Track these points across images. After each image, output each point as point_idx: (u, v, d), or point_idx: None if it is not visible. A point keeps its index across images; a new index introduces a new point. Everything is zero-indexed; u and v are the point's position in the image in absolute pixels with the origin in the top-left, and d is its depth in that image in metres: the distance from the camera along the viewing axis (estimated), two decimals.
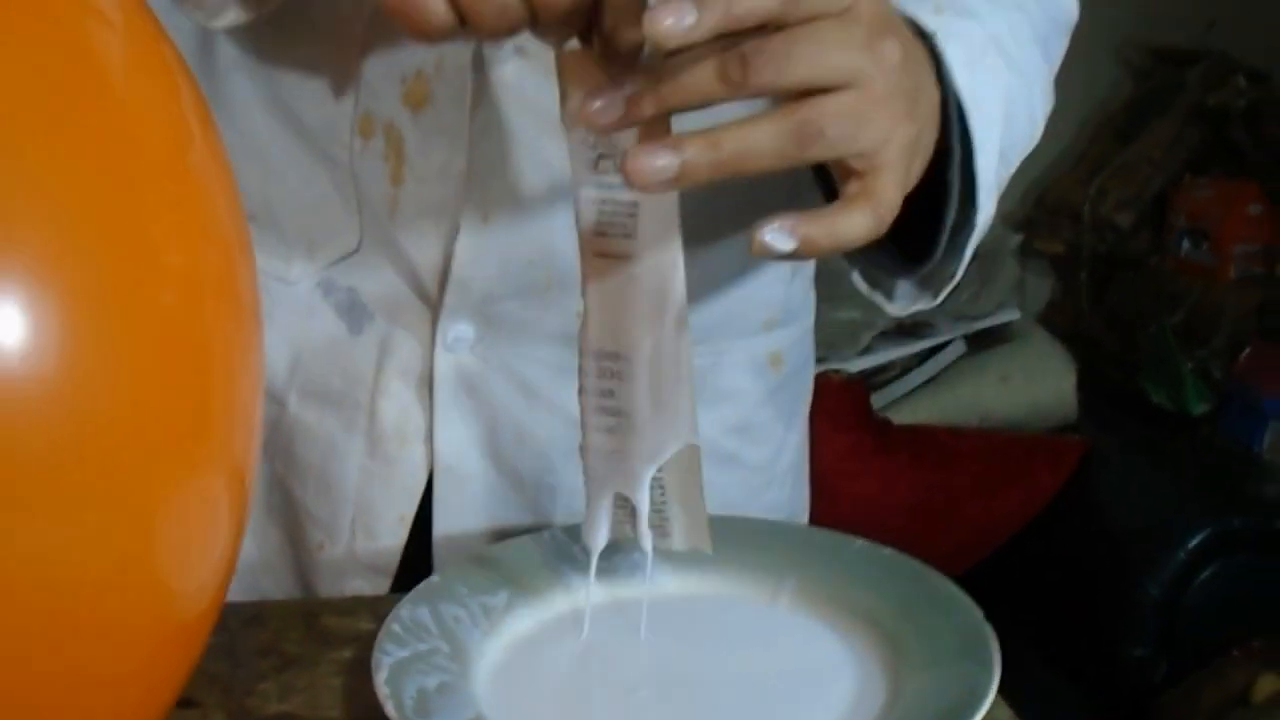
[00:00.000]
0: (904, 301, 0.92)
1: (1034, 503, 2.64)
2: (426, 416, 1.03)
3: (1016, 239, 3.11)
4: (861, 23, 0.70)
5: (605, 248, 0.76)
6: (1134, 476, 2.65)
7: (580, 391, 0.79)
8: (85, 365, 0.55)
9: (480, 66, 0.95)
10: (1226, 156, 3.06)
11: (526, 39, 0.91)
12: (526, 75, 0.94)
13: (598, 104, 0.71)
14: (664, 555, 0.88)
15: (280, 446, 1.07)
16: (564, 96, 0.76)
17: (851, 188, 0.72)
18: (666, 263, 0.76)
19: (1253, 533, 2.44)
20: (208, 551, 0.64)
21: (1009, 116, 0.88)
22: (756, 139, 0.69)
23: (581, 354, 0.79)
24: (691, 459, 0.80)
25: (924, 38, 0.81)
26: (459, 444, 1.04)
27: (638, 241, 0.75)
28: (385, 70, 0.97)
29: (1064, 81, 1.04)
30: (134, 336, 0.57)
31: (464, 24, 0.70)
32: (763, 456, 1.14)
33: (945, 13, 0.84)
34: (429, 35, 0.70)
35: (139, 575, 0.59)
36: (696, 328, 0.81)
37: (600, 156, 0.75)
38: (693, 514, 0.81)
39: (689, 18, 0.65)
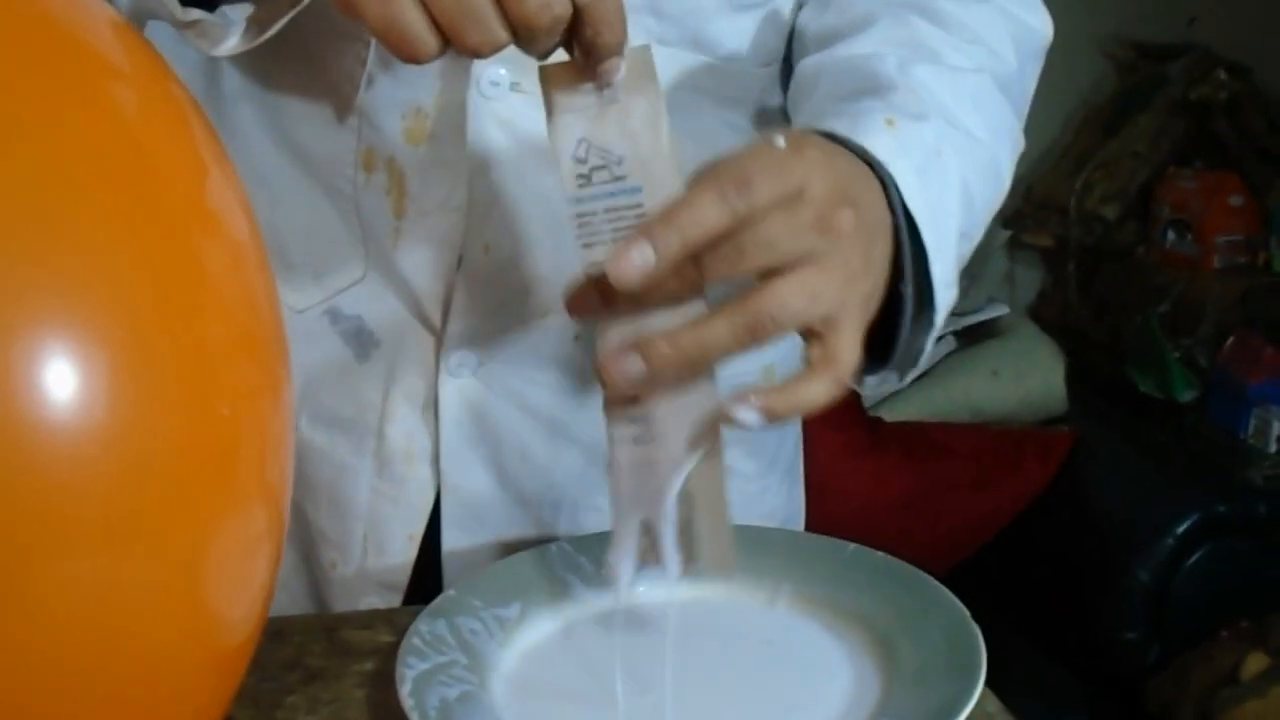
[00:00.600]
0: (870, 385, 0.94)
1: (1025, 494, 2.66)
2: (433, 438, 1.05)
3: (1004, 234, 3.12)
4: (812, 204, 0.75)
5: None
6: (1123, 465, 2.67)
7: (605, 405, 0.80)
8: (131, 410, 0.57)
9: (478, 102, 0.97)
10: (1209, 149, 3.07)
11: (523, 73, 0.94)
12: (523, 110, 0.97)
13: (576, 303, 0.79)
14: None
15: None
16: (549, 107, 0.78)
17: (812, 352, 0.77)
18: None
19: (1239, 517, 2.46)
20: (250, 580, 0.66)
21: (968, 201, 0.90)
22: (714, 334, 0.75)
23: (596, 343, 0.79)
24: (718, 476, 0.81)
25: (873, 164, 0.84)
26: (464, 464, 1.06)
27: None
28: (386, 106, 0.99)
29: (1049, 78, 1.07)
30: (175, 379, 0.59)
31: (449, 44, 0.73)
32: (758, 466, 1.16)
33: (898, 123, 0.86)
34: (417, 58, 0.73)
35: (186, 607, 0.61)
36: None
37: (594, 169, 0.77)
38: (718, 534, 0.82)
39: (648, 257, 0.72)
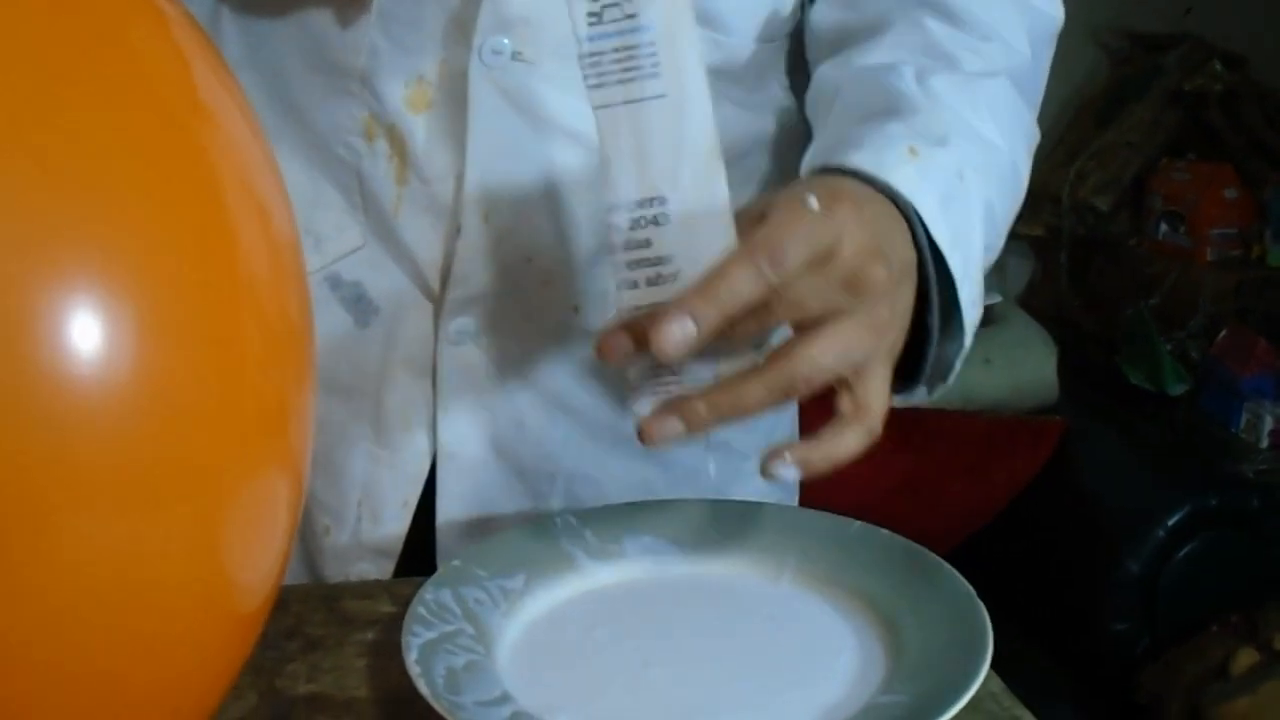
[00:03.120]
0: (898, 402, 0.94)
1: (1016, 482, 2.66)
2: (430, 406, 1.06)
3: None
4: (843, 265, 0.78)
5: (631, 93, 0.77)
6: (1113, 456, 2.67)
7: (611, 251, 0.80)
8: (157, 366, 0.57)
9: (481, 71, 0.97)
10: (1203, 140, 3.08)
11: (525, 43, 0.95)
12: (525, 80, 0.97)
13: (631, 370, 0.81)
14: (671, 538, 0.92)
15: None
16: None
17: (843, 403, 0.80)
18: (695, 92, 0.77)
19: (1230, 510, 2.47)
20: (269, 546, 0.66)
21: (990, 218, 0.92)
22: (749, 394, 0.78)
23: (611, 211, 0.79)
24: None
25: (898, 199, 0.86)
26: (461, 432, 1.06)
27: (663, 80, 0.77)
28: (388, 74, 0.99)
29: None
30: (203, 337, 0.59)
31: None
32: (752, 442, 1.15)
33: (919, 152, 0.88)
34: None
35: (204, 569, 0.61)
36: None
37: (605, 6, 0.77)
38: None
39: (690, 331, 0.75)
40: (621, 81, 0.77)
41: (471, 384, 1.05)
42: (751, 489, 1.14)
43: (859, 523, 0.94)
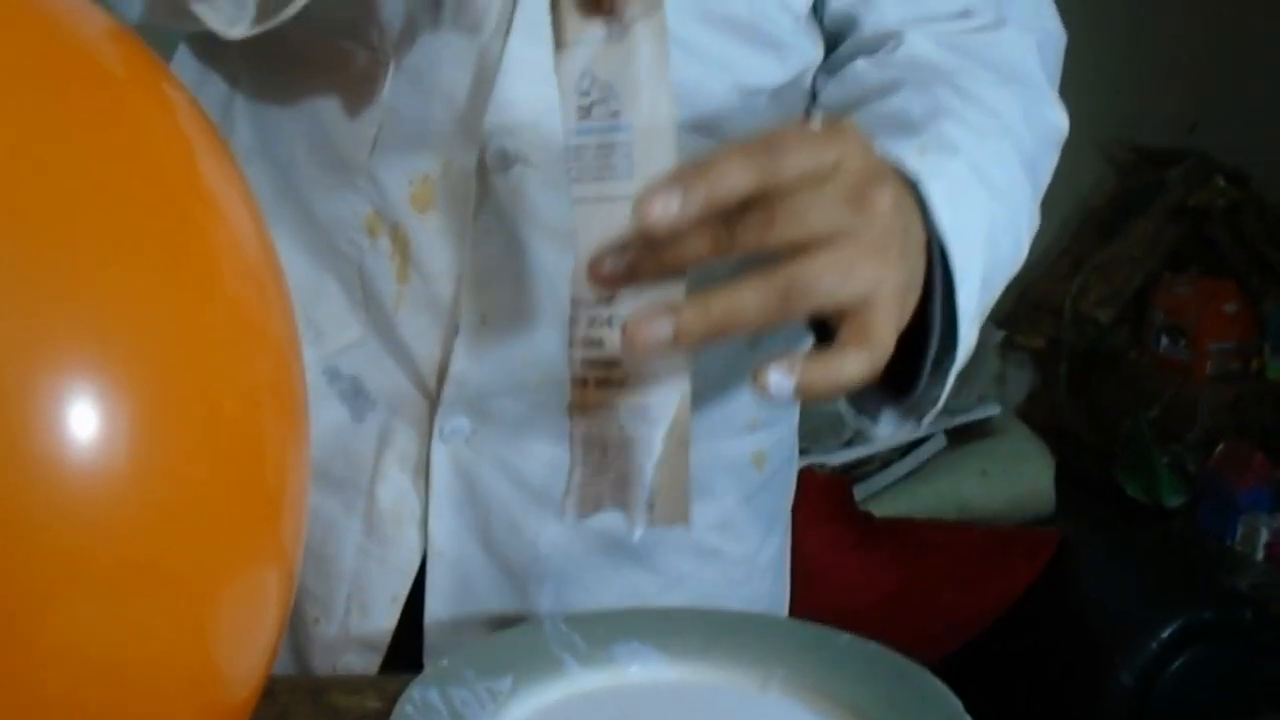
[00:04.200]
0: (889, 427, 0.94)
1: (1011, 592, 2.64)
2: (422, 502, 1.06)
3: (999, 334, 3.12)
4: (847, 179, 0.74)
5: (603, 190, 0.78)
6: (1109, 567, 2.65)
7: (569, 344, 0.79)
8: (152, 457, 0.58)
9: (485, 173, 0.98)
10: (1205, 254, 3.09)
11: (529, 146, 0.95)
12: (529, 183, 0.98)
13: (606, 264, 0.76)
14: (661, 645, 0.91)
15: None
16: (558, 38, 0.79)
17: (846, 331, 0.75)
18: None
19: (1224, 623, 2.44)
20: (258, 638, 0.66)
21: (992, 244, 0.90)
22: (744, 301, 0.73)
23: (573, 305, 0.79)
24: (682, 419, 0.79)
25: (908, 180, 0.84)
26: (452, 530, 1.06)
27: (634, 181, 0.76)
28: (394, 172, 1.00)
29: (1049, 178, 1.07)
30: (198, 435, 0.60)
31: None
32: (744, 551, 1.16)
33: (928, 152, 0.87)
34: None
35: (192, 659, 0.61)
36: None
37: (593, 104, 0.77)
38: (677, 482, 0.79)
39: (674, 204, 0.71)
40: (597, 178, 0.78)
41: (464, 482, 1.05)
42: (740, 597, 1.15)
43: (848, 635, 0.93)
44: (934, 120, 0.92)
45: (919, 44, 1.02)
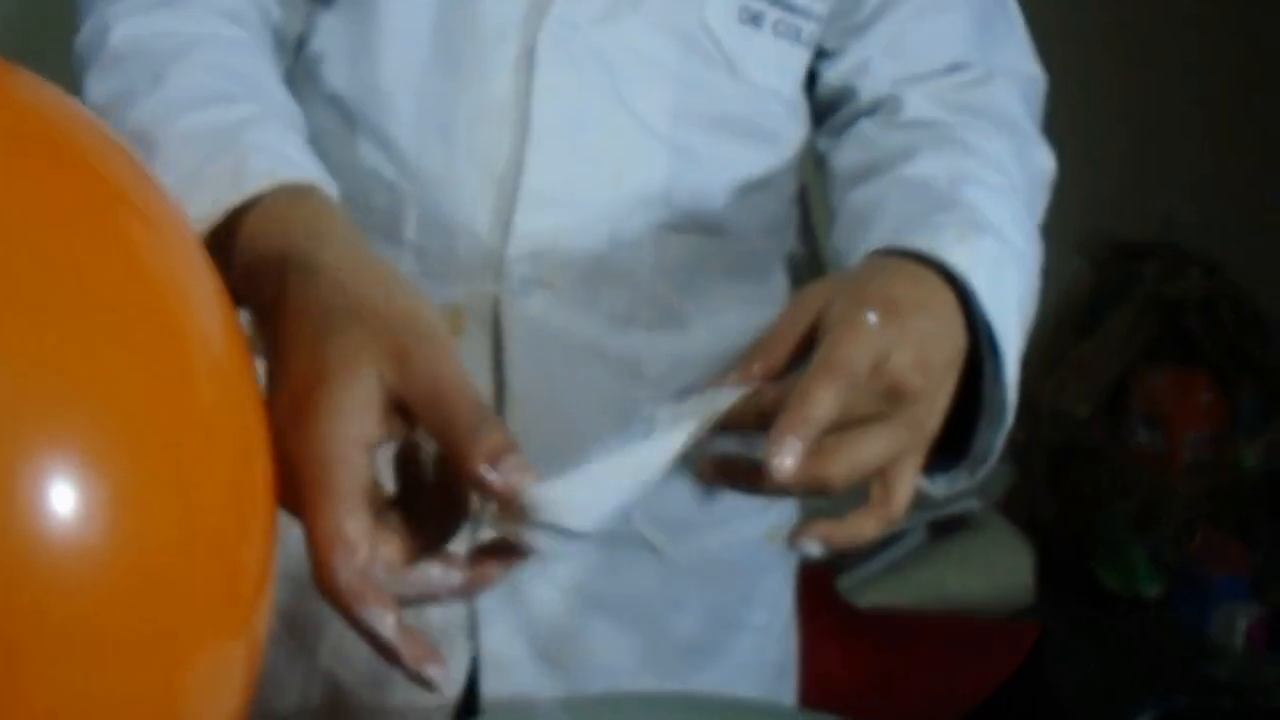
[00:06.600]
0: (943, 487, 0.99)
1: (989, 683, 2.64)
2: (468, 610, 1.09)
3: None
4: (889, 373, 0.83)
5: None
6: (1086, 657, 2.66)
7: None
8: (129, 535, 0.61)
9: (511, 299, 1.01)
10: (1180, 346, 3.10)
11: (552, 272, 0.99)
12: (551, 307, 1.01)
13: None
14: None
15: (330, 644, 1.12)
16: None
17: (875, 490, 0.86)
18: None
19: (1202, 712, 2.45)
20: (223, 708, 0.68)
21: (1021, 310, 0.96)
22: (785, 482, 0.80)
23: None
24: None
25: (951, 278, 0.90)
26: (502, 638, 1.09)
27: None
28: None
29: None
30: (174, 513, 0.63)
31: None
32: (765, 618, 1.22)
33: (968, 239, 0.92)
34: None
35: None
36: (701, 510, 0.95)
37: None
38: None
39: (799, 450, 0.79)
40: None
41: (510, 590, 1.07)
42: (763, 662, 1.23)
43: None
44: (959, 189, 0.97)
45: (919, 105, 1.07)
